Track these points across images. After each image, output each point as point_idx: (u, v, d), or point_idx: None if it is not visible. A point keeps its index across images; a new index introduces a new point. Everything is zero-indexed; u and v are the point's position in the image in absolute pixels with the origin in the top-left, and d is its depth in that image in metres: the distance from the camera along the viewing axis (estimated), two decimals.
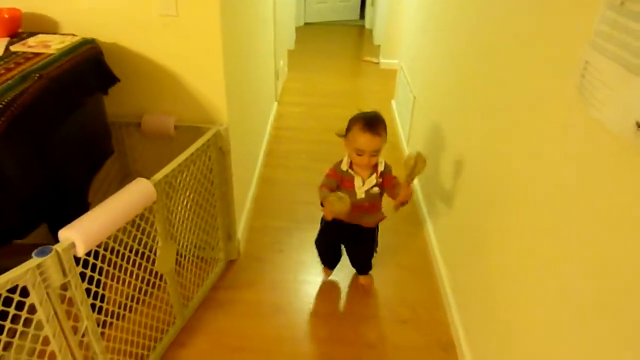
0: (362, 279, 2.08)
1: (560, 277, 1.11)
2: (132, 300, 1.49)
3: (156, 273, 1.57)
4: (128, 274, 1.44)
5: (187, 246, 1.75)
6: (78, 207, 1.41)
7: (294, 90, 4.38)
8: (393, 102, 4.01)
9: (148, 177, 1.41)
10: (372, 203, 1.75)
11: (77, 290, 1.23)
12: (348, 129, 1.67)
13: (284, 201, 2.67)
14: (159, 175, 1.45)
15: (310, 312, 1.94)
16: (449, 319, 1.90)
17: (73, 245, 1.16)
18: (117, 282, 1.41)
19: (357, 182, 1.70)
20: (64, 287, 1.21)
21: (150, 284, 1.56)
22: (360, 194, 1.71)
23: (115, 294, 1.42)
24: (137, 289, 1.50)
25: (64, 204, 1.41)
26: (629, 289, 0.87)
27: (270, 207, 2.60)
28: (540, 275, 1.21)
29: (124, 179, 1.96)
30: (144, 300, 1.55)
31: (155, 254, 1.53)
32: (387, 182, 1.73)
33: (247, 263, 2.18)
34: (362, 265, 2.06)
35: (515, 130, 1.42)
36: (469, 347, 1.69)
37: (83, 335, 1.31)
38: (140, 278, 1.49)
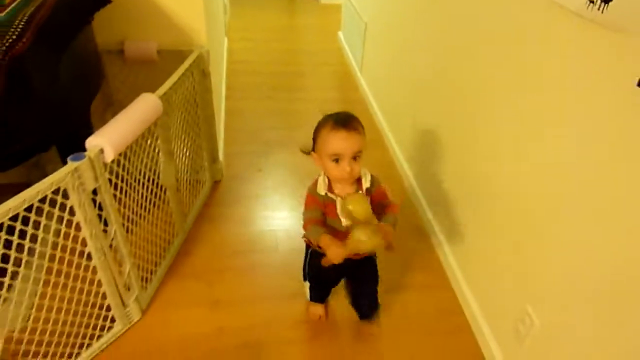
0: (368, 326, 1.65)
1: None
2: (145, 210, 1.63)
3: (161, 187, 1.70)
4: (141, 185, 1.56)
5: (181, 166, 1.88)
6: (85, 129, 1.50)
7: (237, 26, 4.40)
8: (340, 34, 4.14)
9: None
10: None
11: (107, 195, 1.36)
12: (315, 138, 1.29)
13: (254, 129, 2.82)
14: (160, 92, 1.56)
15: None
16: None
17: (102, 151, 1.28)
18: (130, 195, 1.54)
19: (339, 206, 1.28)
20: (94, 192, 1.33)
21: (158, 197, 1.69)
22: (345, 221, 1.27)
23: (129, 206, 1.55)
24: (148, 201, 1.64)
25: (72, 125, 1.50)
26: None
27: (242, 134, 2.73)
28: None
29: (107, 109, 2.02)
30: (153, 212, 1.69)
31: (159, 170, 1.66)
32: (376, 196, 1.33)
33: (231, 183, 2.34)
34: (368, 304, 1.58)
35: (481, 34, 1.64)
36: None
37: (112, 240, 1.45)
38: (149, 191, 1.62)
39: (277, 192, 2.32)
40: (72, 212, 1.26)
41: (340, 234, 1.24)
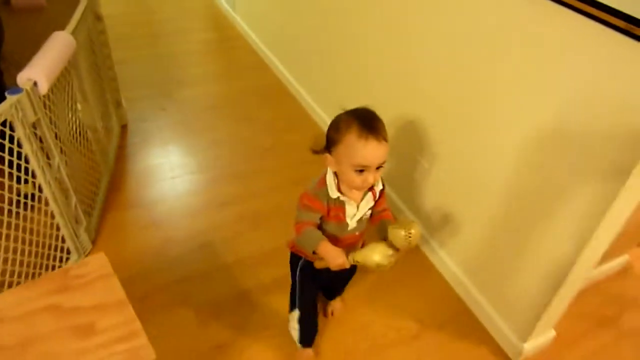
0: (336, 302, 1.64)
1: None
2: (75, 147, 1.72)
3: (82, 126, 1.80)
4: (67, 123, 1.65)
5: (93, 108, 1.96)
6: None
7: None
8: None
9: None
10: (361, 231, 1.27)
11: (46, 128, 1.46)
12: (334, 140, 1.12)
13: (147, 73, 2.89)
14: (69, 29, 1.63)
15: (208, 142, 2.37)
16: None
17: (35, 84, 1.37)
18: (62, 131, 1.63)
19: (350, 209, 1.18)
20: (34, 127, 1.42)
21: (82, 136, 1.79)
22: (352, 223, 1.21)
23: (63, 141, 1.64)
24: (76, 139, 1.73)
25: None
26: None
27: (136, 80, 2.79)
28: None
29: None
30: (81, 150, 1.79)
31: (78, 110, 1.75)
32: (380, 202, 1.25)
33: (137, 125, 2.44)
34: (337, 289, 1.62)
35: None
36: None
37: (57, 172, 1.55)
38: (75, 129, 1.72)
39: (183, 124, 2.48)
40: (20, 145, 1.36)
41: (339, 241, 1.20)
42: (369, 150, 1.06)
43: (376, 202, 1.23)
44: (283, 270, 1.41)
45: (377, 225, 1.24)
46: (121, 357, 0.92)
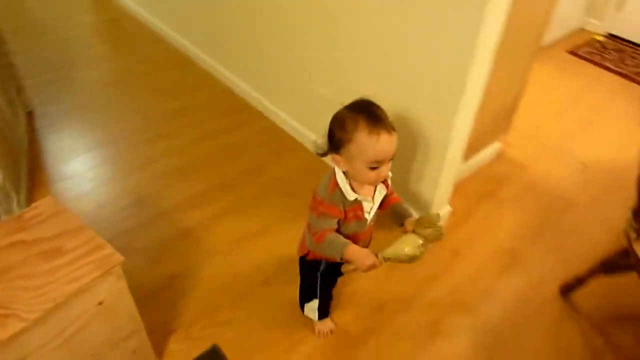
0: None
1: None
2: None
3: None
4: None
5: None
6: None
7: None
8: None
9: None
10: (374, 221, 1.27)
11: None
12: (343, 140, 1.08)
13: (44, 59, 2.86)
14: None
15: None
16: None
17: None
18: None
19: (367, 205, 1.18)
20: None
21: None
22: (370, 218, 1.21)
23: None
24: None
25: None
26: None
27: (34, 67, 2.75)
28: None
29: None
30: None
31: None
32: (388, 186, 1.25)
33: (44, 109, 2.46)
34: None
35: None
36: None
37: None
38: None
39: (90, 103, 2.53)
40: None
41: (358, 237, 1.21)
42: (382, 145, 1.04)
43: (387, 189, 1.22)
44: (221, 205, 1.59)
45: (388, 211, 1.24)
46: (93, 265, 1.09)
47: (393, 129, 1.06)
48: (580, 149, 2.43)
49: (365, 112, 1.05)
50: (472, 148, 2.05)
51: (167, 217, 1.90)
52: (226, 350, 1.47)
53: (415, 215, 1.19)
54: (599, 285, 1.67)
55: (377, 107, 1.08)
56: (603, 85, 2.99)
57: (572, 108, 2.78)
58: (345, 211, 1.15)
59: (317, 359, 1.48)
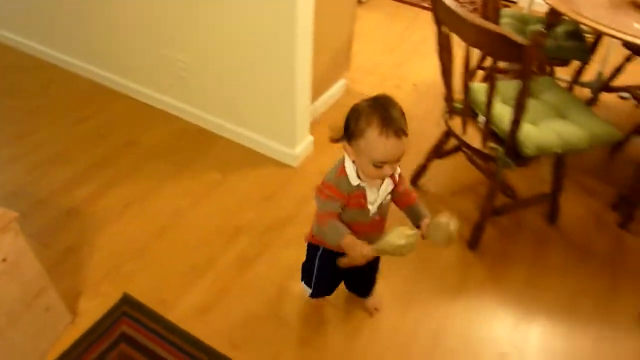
0: (369, 301, 1.62)
1: None
2: None
3: None
4: None
5: None
6: None
7: None
8: None
9: None
10: (382, 216, 1.27)
11: None
12: (354, 133, 1.08)
13: None
14: None
15: None
16: None
17: None
18: None
19: (371, 195, 1.18)
20: None
21: None
22: (374, 209, 1.21)
23: None
24: None
25: None
26: None
27: None
28: None
29: None
30: None
31: None
32: (399, 183, 1.25)
33: None
34: (366, 288, 1.59)
35: None
36: None
37: None
38: None
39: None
40: None
41: (361, 227, 1.21)
42: (389, 148, 1.04)
43: (395, 187, 1.23)
44: (101, 181, 1.63)
45: (405, 212, 1.27)
46: None
47: (405, 133, 1.05)
48: (412, 75, 2.87)
49: (382, 110, 1.04)
50: (321, 86, 2.35)
51: (48, 203, 1.92)
52: (137, 295, 1.60)
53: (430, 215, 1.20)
54: (438, 170, 2.08)
55: (395, 107, 1.06)
56: (424, 22, 3.49)
57: (401, 44, 3.21)
58: (348, 197, 1.16)
59: (223, 280, 1.67)
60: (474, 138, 1.71)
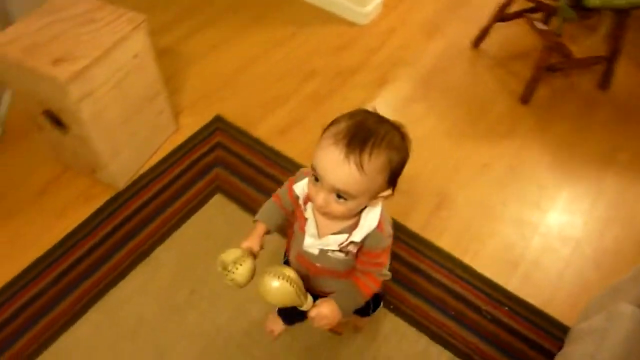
0: (361, 320, 1.33)
1: None
2: None
3: None
4: None
5: None
6: None
7: None
8: None
9: None
10: (327, 267, 0.96)
11: None
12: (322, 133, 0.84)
13: None
14: None
15: None
16: None
17: None
18: None
19: (310, 227, 0.91)
20: None
21: None
22: (311, 247, 0.93)
23: None
24: None
25: None
26: None
27: None
28: None
29: None
30: None
31: None
32: (363, 254, 0.92)
33: None
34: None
35: None
36: None
37: None
38: None
39: None
40: None
41: (298, 257, 0.98)
42: (328, 158, 0.77)
43: (358, 253, 0.91)
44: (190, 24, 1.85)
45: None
46: (125, 23, 1.42)
47: (361, 165, 0.75)
48: None
49: (356, 125, 0.78)
50: None
51: None
52: (227, 117, 1.88)
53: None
54: (499, 35, 2.20)
55: (377, 135, 0.77)
56: None
57: None
58: (296, 203, 0.95)
59: (299, 110, 1.93)
60: None
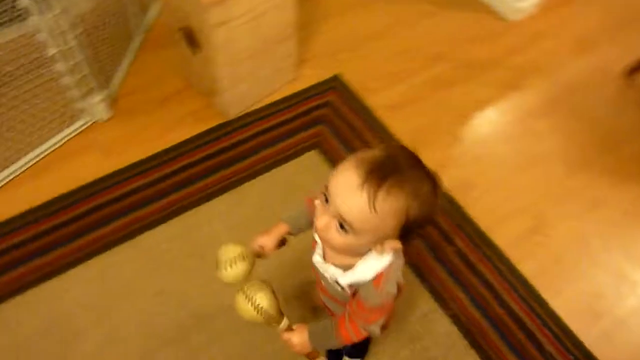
0: None
1: None
2: None
3: None
4: None
5: None
6: None
7: None
8: None
9: None
10: (335, 297, 0.92)
11: None
12: None
13: None
14: None
15: None
16: None
17: None
18: None
19: (318, 247, 0.87)
20: None
21: None
22: (317, 264, 0.88)
23: None
24: None
25: None
26: None
27: None
28: None
29: None
30: None
31: None
32: (356, 303, 0.83)
33: None
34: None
35: None
36: None
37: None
38: None
39: None
40: None
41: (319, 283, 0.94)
42: (343, 180, 0.70)
43: (353, 295, 0.84)
44: None
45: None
46: None
47: (373, 206, 0.67)
48: None
49: (388, 159, 0.70)
50: None
51: None
52: (345, 80, 1.87)
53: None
54: None
55: (403, 175, 0.68)
56: None
57: None
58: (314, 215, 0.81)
59: (416, 90, 1.87)
60: None
